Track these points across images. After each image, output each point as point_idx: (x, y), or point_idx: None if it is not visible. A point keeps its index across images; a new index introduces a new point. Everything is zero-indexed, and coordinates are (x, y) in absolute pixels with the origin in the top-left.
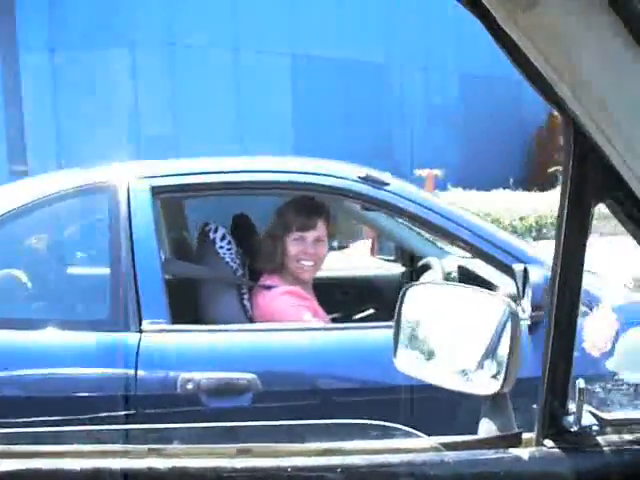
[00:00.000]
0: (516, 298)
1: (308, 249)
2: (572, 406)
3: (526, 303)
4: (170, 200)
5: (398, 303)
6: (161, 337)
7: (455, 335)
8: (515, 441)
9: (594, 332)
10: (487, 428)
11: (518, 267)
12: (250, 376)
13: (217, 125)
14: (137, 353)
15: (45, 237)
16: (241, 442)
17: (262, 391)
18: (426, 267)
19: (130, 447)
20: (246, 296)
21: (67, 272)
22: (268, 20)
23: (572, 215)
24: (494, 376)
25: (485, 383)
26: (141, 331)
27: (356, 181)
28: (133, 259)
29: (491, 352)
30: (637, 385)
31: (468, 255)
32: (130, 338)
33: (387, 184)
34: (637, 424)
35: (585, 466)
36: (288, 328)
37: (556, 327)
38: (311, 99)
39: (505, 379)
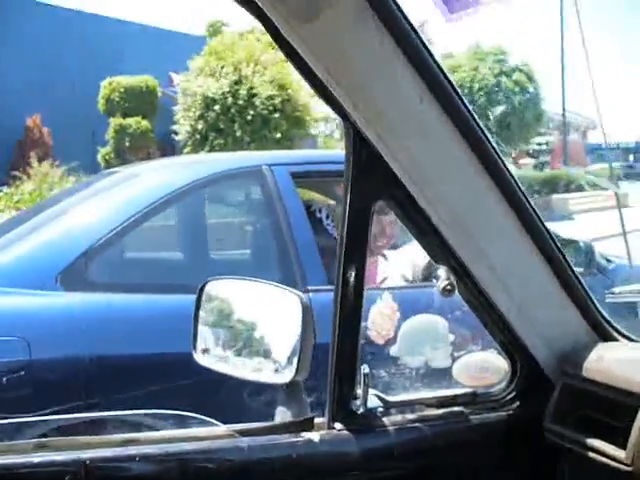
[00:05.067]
0: None
1: (385, 230)
2: (359, 391)
3: None
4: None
5: (196, 297)
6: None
7: (252, 328)
8: (307, 425)
9: (378, 321)
10: (282, 415)
11: None
12: None
13: None
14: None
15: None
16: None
17: None
18: None
19: None
20: None
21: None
22: None
23: (353, 214)
24: (288, 365)
25: (280, 372)
26: (307, 291)
27: None
28: (292, 234)
29: (285, 343)
30: (417, 369)
31: None
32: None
33: None
34: (418, 404)
35: (371, 445)
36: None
37: (342, 316)
38: None
39: (298, 368)
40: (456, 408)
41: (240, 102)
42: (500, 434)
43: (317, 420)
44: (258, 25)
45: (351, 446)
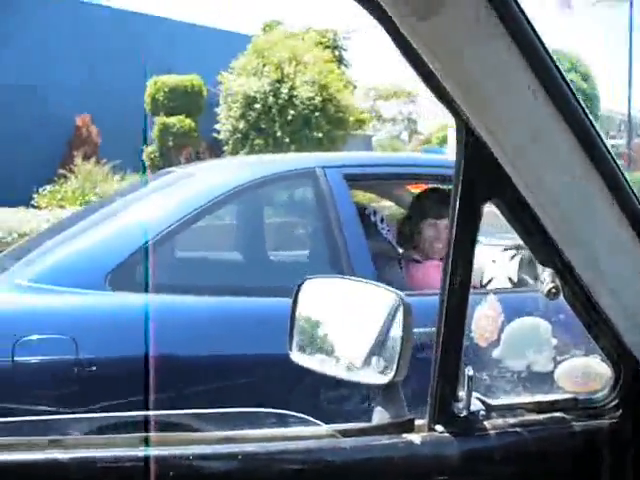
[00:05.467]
0: None
1: (441, 234)
2: (462, 393)
3: None
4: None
5: (293, 296)
6: None
7: (350, 327)
8: (408, 427)
9: (482, 323)
10: (381, 416)
11: None
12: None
13: None
14: None
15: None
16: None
17: None
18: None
19: None
20: (402, 269)
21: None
22: None
23: (462, 213)
24: (386, 366)
25: (378, 373)
26: None
27: None
28: (344, 237)
29: (384, 343)
30: (519, 372)
31: None
32: None
33: None
34: (519, 408)
35: (472, 449)
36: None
37: (447, 318)
38: None
39: (397, 369)
40: (557, 414)
41: (280, 101)
42: (601, 443)
43: (417, 422)
44: (308, 25)
45: (452, 449)
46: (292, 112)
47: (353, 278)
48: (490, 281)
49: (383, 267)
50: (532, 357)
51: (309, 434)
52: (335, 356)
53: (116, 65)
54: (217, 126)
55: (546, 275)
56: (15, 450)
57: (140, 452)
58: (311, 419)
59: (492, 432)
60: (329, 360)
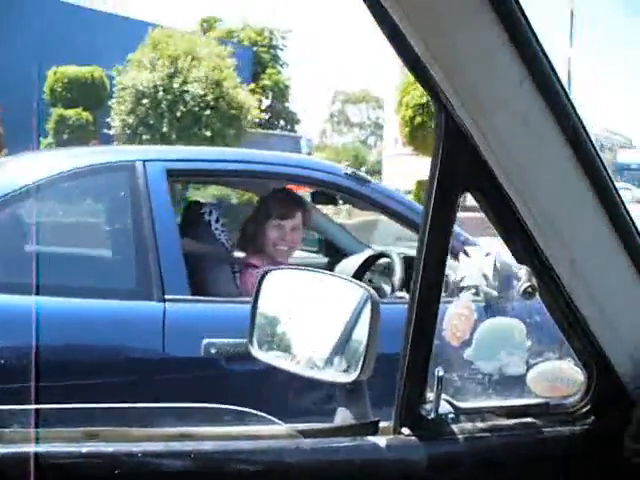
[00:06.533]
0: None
1: (286, 236)
2: (430, 394)
3: None
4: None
5: (256, 288)
6: (183, 306)
7: (314, 322)
8: (372, 429)
9: (454, 322)
10: (344, 416)
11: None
12: None
13: None
14: (163, 321)
15: (68, 211)
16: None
17: None
18: (380, 257)
19: None
20: (237, 274)
21: (92, 245)
22: None
23: (437, 204)
24: (351, 364)
25: (342, 371)
26: (164, 300)
27: (343, 176)
28: (155, 236)
29: (349, 340)
30: (490, 375)
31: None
32: (155, 307)
33: (369, 181)
34: (489, 412)
35: (439, 453)
36: None
37: (417, 314)
38: None
39: (362, 367)
40: (528, 419)
41: (170, 97)
42: (573, 449)
43: (382, 424)
44: (245, 22)
45: (419, 453)
46: (182, 108)
47: (320, 270)
48: (463, 279)
49: (210, 270)
50: (504, 359)
51: (267, 433)
52: (297, 352)
53: (22, 53)
54: (109, 120)
55: (522, 273)
56: None
57: (82, 448)
58: (270, 417)
59: (460, 436)
60: (291, 356)
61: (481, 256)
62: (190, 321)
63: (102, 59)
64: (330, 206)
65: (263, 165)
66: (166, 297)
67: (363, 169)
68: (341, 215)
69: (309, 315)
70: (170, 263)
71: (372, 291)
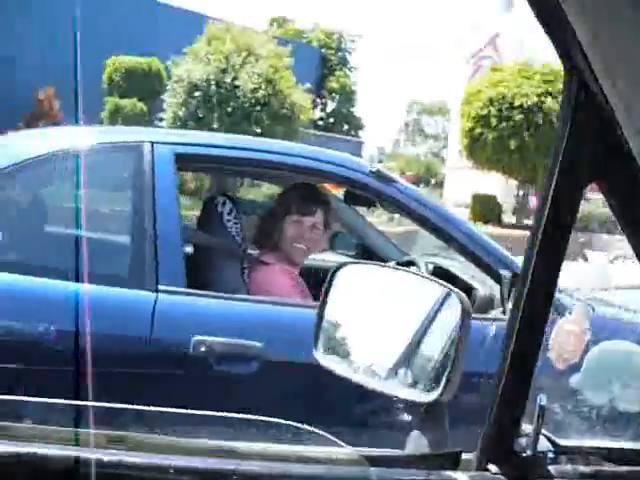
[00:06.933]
0: (491, 303)
1: (304, 233)
2: (527, 427)
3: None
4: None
5: (326, 284)
6: (177, 298)
7: (393, 329)
8: (451, 462)
9: (562, 339)
10: (418, 443)
11: (506, 273)
12: (258, 344)
13: None
14: (153, 312)
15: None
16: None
17: (269, 360)
18: (408, 264)
19: None
20: (246, 270)
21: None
22: None
23: (559, 196)
24: (419, 378)
25: (421, 389)
26: (157, 291)
27: (367, 174)
28: (154, 222)
29: (420, 349)
30: (599, 408)
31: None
32: (146, 297)
33: (396, 181)
34: (595, 455)
35: None
36: (296, 304)
37: (521, 328)
38: None
39: (445, 387)
40: None
41: (222, 91)
42: None
43: (464, 456)
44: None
45: None
46: (233, 104)
47: (403, 268)
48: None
49: (216, 263)
50: (618, 391)
51: (326, 457)
52: (368, 362)
53: (91, 44)
54: (161, 114)
55: None
56: None
57: (105, 455)
58: (331, 437)
59: None
60: (360, 365)
61: (605, 262)
62: (182, 315)
63: (161, 51)
64: (383, 214)
65: (276, 155)
66: (160, 287)
67: (433, 181)
68: (390, 223)
69: (385, 320)
70: (168, 252)
71: (463, 295)
